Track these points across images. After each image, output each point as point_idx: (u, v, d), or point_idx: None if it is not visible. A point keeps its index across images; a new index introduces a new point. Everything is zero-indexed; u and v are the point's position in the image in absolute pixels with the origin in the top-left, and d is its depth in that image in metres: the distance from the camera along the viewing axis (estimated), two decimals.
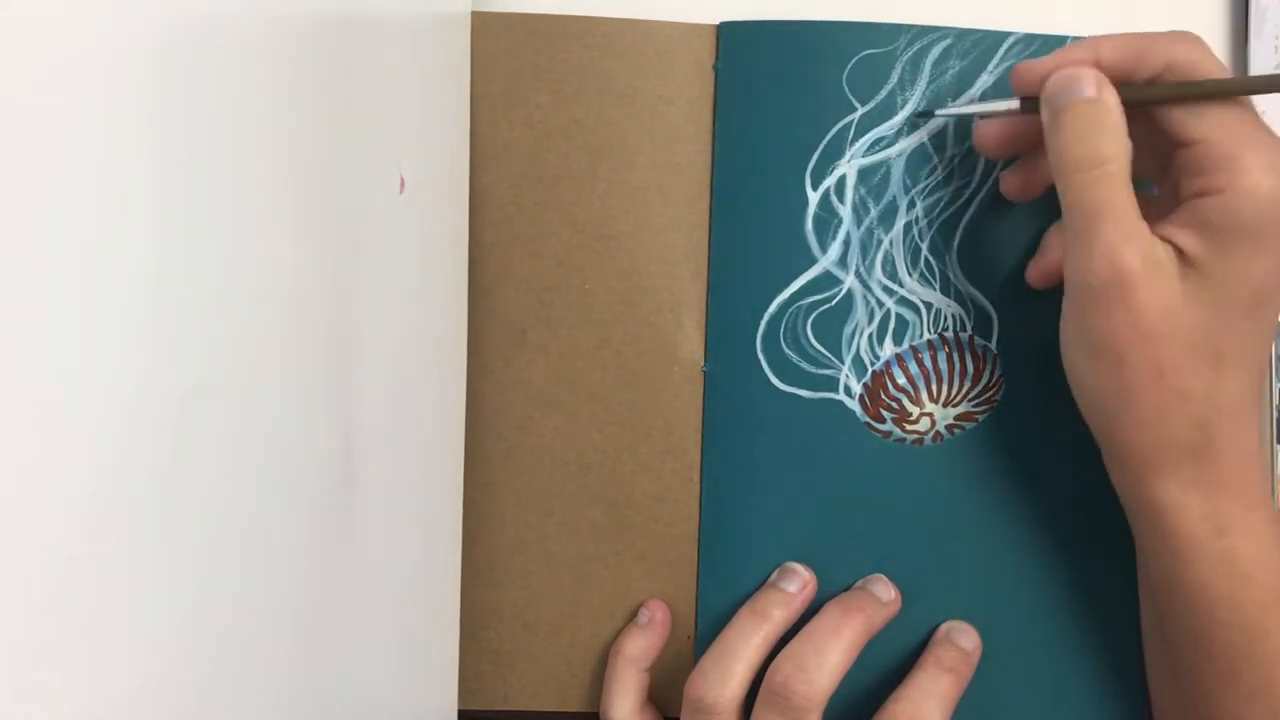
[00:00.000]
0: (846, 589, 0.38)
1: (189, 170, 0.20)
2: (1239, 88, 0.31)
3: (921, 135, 0.38)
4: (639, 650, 0.38)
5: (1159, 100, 0.32)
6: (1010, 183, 0.37)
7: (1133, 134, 0.32)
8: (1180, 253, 0.31)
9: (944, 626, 0.38)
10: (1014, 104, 0.34)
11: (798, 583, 0.38)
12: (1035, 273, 0.37)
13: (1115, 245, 0.31)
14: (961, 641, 0.38)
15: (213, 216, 0.21)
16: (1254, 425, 0.32)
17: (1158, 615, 0.35)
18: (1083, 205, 0.31)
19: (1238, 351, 0.31)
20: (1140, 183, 0.34)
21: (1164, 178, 0.34)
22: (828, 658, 0.34)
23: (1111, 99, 0.32)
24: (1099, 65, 0.32)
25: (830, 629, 0.35)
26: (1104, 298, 0.31)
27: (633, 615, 0.40)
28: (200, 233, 0.20)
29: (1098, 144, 0.31)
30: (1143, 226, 0.31)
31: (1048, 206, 0.37)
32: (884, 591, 0.38)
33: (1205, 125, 0.31)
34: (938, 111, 0.37)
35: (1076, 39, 0.38)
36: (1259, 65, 0.39)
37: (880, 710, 0.35)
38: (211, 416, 0.21)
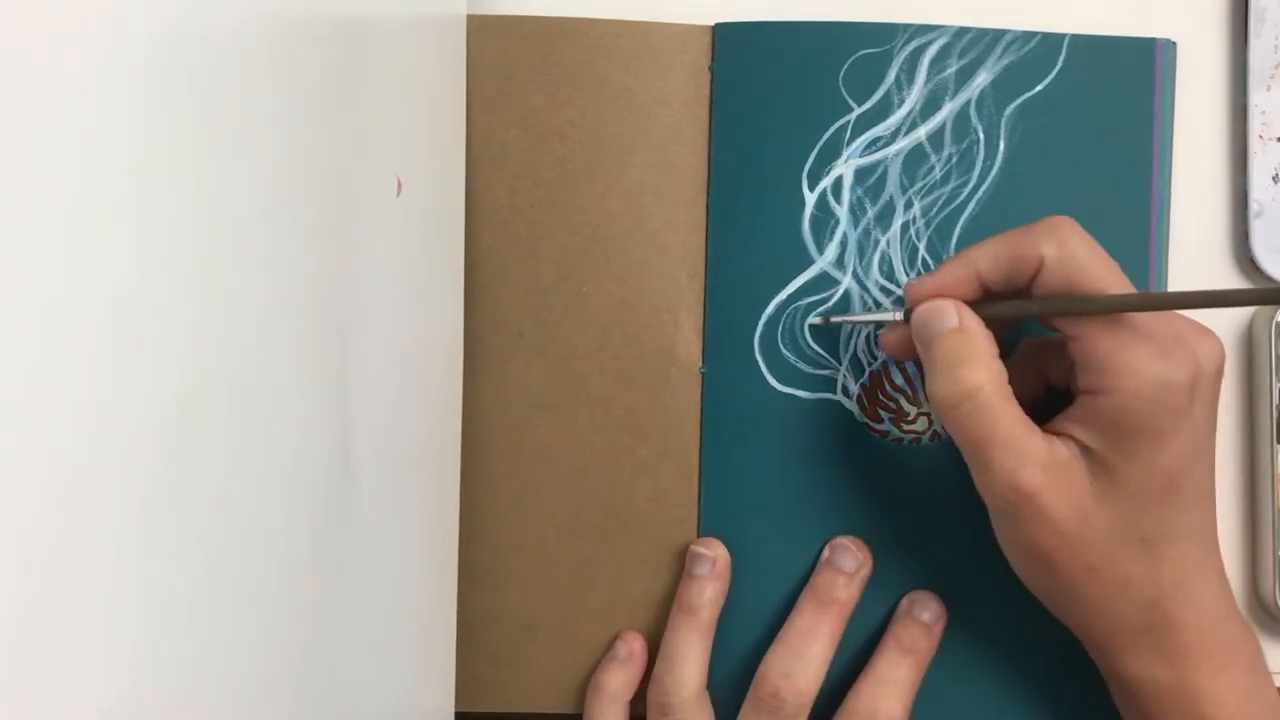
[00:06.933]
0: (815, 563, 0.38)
1: (185, 172, 0.20)
2: (1103, 305, 0.31)
3: (919, 135, 0.38)
4: (620, 685, 0.38)
5: (1024, 315, 0.33)
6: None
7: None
8: (1086, 449, 0.31)
9: (905, 600, 0.38)
10: (898, 315, 0.35)
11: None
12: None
13: (1010, 470, 0.31)
14: (922, 615, 0.38)
15: (209, 218, 0.21)
16: (1209, 585, 0.32)
17: None
18: (968, 439, 0.32)
19: (1164, 533, 0.31)
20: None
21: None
22: (810, 662, 0.36)
23: (974, 325, 0.32)
24: (979, 277, 0.33)
25: (807, 632, 0.36)
26: (1016, 516, 0.32)
27: (632, 616, 0.39)
28: (197, 235, 0.20)
29: (967, 376, 0.31)
30: (1033, 439, 0.31)
31: (1047, 207, 0.36)
32: (849, 561, 0.38)
33: (1081, 325, 0.31)
34: (833, 319, 0.38)
35: (1074, 37, 0.38)
36: (1259, 65, 0.39)
37: (841, 706, 0.36)
38: (209, 419, 0.21)
